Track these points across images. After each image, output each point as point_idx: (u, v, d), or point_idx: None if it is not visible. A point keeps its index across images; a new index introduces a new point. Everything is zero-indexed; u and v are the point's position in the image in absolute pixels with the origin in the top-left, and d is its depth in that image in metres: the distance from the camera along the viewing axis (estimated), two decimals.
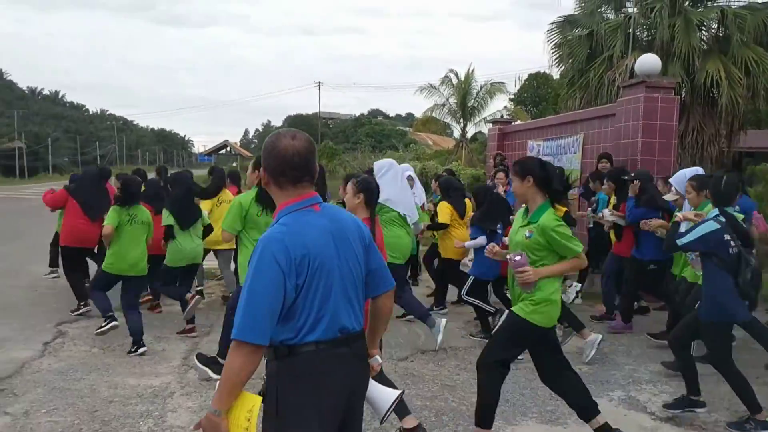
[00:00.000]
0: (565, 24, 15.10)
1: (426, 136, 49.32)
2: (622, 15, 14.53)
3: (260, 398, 2.19)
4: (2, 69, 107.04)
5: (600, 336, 5.99)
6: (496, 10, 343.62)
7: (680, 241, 4.39)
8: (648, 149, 8.38)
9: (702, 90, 12.62)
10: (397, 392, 2.59)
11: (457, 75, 29.55)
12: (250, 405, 2.17)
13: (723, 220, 4.33)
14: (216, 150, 58.65)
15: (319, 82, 61.43)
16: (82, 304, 7.28)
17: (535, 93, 41.36)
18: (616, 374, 5.62)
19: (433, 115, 31.49)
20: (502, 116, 18.12)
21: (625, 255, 6.84)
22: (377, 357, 2.61)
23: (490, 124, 14.67)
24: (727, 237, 4.24)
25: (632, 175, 6.91)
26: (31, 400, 4.74)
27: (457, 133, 33.76)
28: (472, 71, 29.43)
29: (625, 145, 8.65)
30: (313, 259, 2.18)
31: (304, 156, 2.28)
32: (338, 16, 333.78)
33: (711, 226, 4.30)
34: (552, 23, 15.23)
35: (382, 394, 2.54)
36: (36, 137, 71.43)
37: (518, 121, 16.29)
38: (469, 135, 30.94)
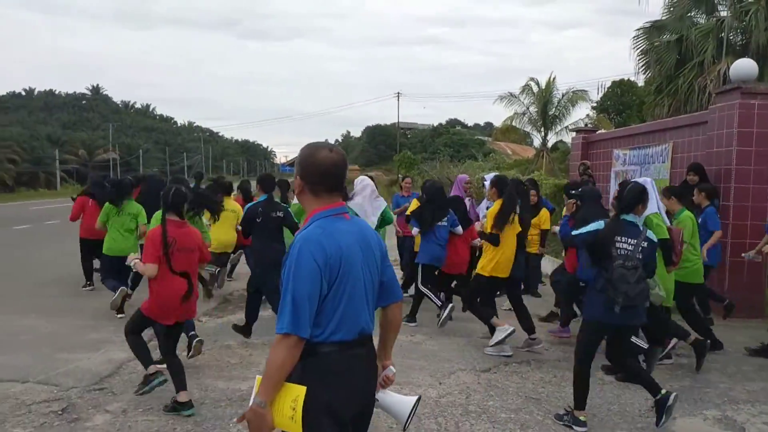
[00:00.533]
0: (653, 30, 14.68)
1: (505, 145, 48.86)
2: (714, 19, 13.99)
3: (304, 388, 2.25)
4: (99, 85, 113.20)
5: (512, 328, 6.29)
6: (579, 18, 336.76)
7: (575, 233, 4.92)
8: (743, 158, 8.02)
9: None
10: (415, 398, 2.65)
11: (537, 83, 29.19)
12: (295, 395, 2.25)
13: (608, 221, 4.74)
14: None
15: (398, 93, 61.78)
16: (88, 283, 9.43)
17: (619, 101, 40.08)
18: (710, 392, 5.39)
19: (513, 124, 31.17)
20: (586, 125, 17.74)
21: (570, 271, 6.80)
22: (391, 367, 2.68)
23: (573, 133, 14.37)
24: (617, 238, 4.49)
25: (573, 192, 6.88)
26: (128, 400, 4.97)
27: (537, 142, 33.30)
28: (553, 79, 29.02)
29: (719, 154, 8.30)
30: (344, 261, 2.32)
31: (340, 167, 2.43)
32: (420, 26, 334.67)
33: (600, 224, 4.69)
34: (638, 29, 14.88)
35: (400, 402, 2.62)
36: (128, 148, 75.20)
37: (602, 130, 15.91)
38: (549, 144, 30.43)
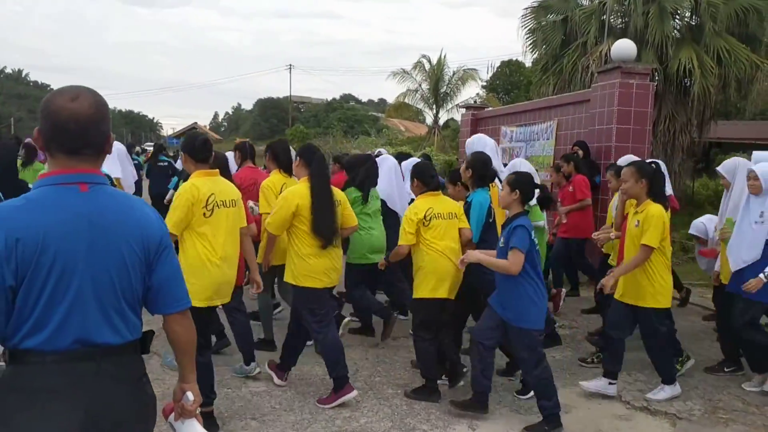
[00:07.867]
0: (540, 9, 14.97)
1: (398, 122, 49.20)
2: (597, 1, 14.45)
3: None
4: None
5: None
6: None
7: None
8: (622, 135, 8.31)
9: (674, 78, 12.59)
10: None
11: (429, 61, 29.57)
12: None
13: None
14: (184, 132, 57.80)
15: (290, 65, 60.82)
16: None
17: (508, 80, 41.38)
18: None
19: (406, 101, 31.48)
20: (475, 102, 18.03)
21: None
22: (188, 394, 2.17)
23: (463, 110, 14.51)
24: None
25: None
26: None
27: (429, 120, 33.76)
28: (445, 57, 29.49)
29: (600, 132, 8.57)
30: (44, 249, 1.78)
31: (83, 123, 1.85)
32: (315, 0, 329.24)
33: None
34: (526, 8, 15.11)
35: None
36: None
37: (490, 108, 16.17)
38: (441, 122, 30.90)
